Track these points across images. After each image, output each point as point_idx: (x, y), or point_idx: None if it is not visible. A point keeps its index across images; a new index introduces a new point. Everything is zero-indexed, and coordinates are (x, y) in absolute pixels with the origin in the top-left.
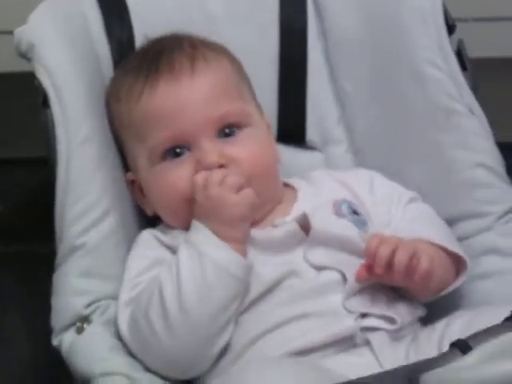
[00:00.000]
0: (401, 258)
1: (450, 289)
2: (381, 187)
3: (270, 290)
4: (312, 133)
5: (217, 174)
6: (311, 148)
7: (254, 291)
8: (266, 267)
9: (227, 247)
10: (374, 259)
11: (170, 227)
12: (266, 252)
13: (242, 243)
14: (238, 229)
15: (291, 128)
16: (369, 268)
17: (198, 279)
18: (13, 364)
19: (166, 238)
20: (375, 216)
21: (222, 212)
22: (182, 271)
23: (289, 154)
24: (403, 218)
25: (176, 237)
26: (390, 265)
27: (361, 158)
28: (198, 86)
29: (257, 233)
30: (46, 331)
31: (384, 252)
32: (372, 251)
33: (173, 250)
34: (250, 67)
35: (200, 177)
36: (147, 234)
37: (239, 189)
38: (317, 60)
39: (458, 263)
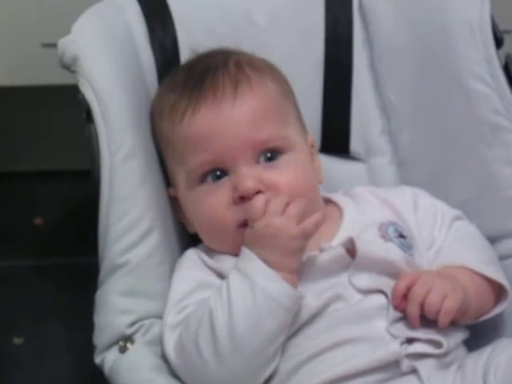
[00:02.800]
0: (432, 304)
1: (491, 315)
2: (425, 206)
3: (315, 316)
4: (356, 143)
5: (278, 202)
6: (354, 159)
7: (300, 318)
8: (312, 294)
9: (279, 278)
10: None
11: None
12: (312, 277)
13: (294, 273)
14: (293, 259)
15: (335, 137)
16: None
17: (249, 309)
18: (52, 378)
19: (211, 261)
20: (419, 237)
21: (281, 243)
22: (233, 300)
23: (332, 165)
24: (446, 239)
25: (221, 261)
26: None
27: (404, 170)
28: (239, 112)
29: (303, 258)
30: (86, 345)
31: (413, 307)
32: (399, 296)
33: (218, 274)
34: (294, 75)
35: (259, 202)
36: (192, 254)
37: (301, 220)
38: (362, 69)
39: (498, 288)
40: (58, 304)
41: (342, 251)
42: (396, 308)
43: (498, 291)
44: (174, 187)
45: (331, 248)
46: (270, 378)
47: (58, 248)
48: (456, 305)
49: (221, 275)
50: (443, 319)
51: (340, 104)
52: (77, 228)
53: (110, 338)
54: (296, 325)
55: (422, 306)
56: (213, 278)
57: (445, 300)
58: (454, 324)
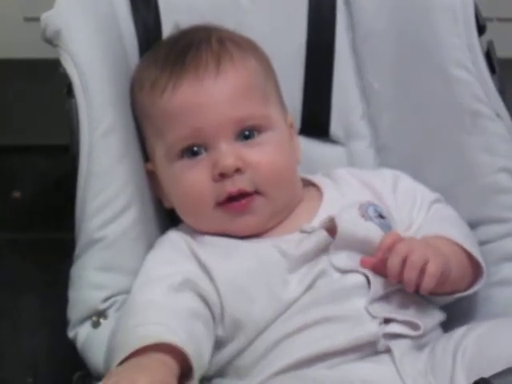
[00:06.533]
0: (414, 262)
1: (466, 293)
2: (404, 188)
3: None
4: (335, 126)
5: None
6: (334, 142)
7: (281, 310)
8: (295, 284)
9: None
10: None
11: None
12: (296, 263)
13: None
14: None
15: (315, 120)
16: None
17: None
18: (26, 352)
19: (195, 246)
20: (398, 218)
21: None
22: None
23: (311, 147)
24: (425, 218)
25: (204, 247)
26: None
27: (383, 154)
28: (220, 88)
29: (289, 248)
30: (60, 319)
31: (395, 259)
32: (384, 249)
33: (198, 261)
34: (276, 55)
35: None
36: (177, 238)
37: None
38: (344, 52)
39: (476, 268)
40: (33, 278)
41: (324, 235)
42: (376, 264)
43: (475, 270)
44: (153, 162)
45: (313, 230)
46: (246, 354)
47: (35, 222)
48: (439, 268)
49: (200, 262)
50: (427, 283)
51: (321, 87)
52: (54, 203)
53: (83, 312)
54: (278, 311)
55: (403, 262)
56: (193, 267)
57: (427, 264)
58: (432, 294)
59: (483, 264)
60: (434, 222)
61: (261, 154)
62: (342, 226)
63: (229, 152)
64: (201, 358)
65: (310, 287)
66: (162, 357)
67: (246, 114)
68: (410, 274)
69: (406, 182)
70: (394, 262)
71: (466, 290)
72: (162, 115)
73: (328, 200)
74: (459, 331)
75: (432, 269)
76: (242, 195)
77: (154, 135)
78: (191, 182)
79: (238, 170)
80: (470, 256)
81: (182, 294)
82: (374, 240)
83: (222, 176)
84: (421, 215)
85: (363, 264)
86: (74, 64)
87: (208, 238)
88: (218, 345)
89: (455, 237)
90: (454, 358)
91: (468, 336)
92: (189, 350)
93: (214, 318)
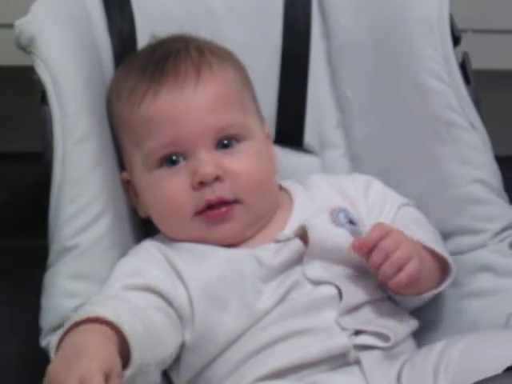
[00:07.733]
0: (398, 259)
1: (435, 293)
2: (375, 193)
3: (269, 310)
4: (310, 136)
5: None
6: (308, 151)
7: (255, 318)
8: (269, 294)
9: None
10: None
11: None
12: (272, 273)
13: None
14: None
15: (289, 129)
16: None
17: None
18: None
19: (171, 256)
20: (369, 224)
21: None
22: None
23: (285, 157)
24: (394, 219)
25: (180, 256)
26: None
27: (357, 164)
28: (200, 97)
29: (266, 257)
30: (33, 328)
31: (379, 255)
32: (373, 242)
33: (176, 272)
34: (250, 64)
35: None
36: (151, 247)
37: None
38: (319, 61)
39: (443, 268)
40: (4, 285)
41: (298, 244)
42: (359, 250)
43: (442, 271)
44: (129, 171)
45: (287, 239)
46: (218, 366)
47: (6, 230)
48: (419, 270)
49: (174, 268)
50: (404, 279)
51: (295, 96)
52: (26, 211)
53: (55, 320)
54: (250, 321)
55: (387, 257)
56: (161, 273)
57: (410, 261)
58: (397, 293)
59: (451, 262)
60: (401, 223)
61: (240, 163)
62: (313, 232)
63: (208, 160)
64: (158, 343)
65: (282, 299)
66: (97, 327)
67: (225, 122)
68: (388, 270)
69: (377, 186)
70: (376, 257)
71: (432, 289)
72: (140, 123)
73: (298, 206)
74: (440, 344)
75: (412, 268)
76: (221, 203)
77: (131, 144)
78: (170, 190)
79: (217, 179)
80: (436, 257)
81: (142, 292)
82: (345, 246)
83: (202, 184)
84: (389, 218)
85: (354, 247)
86: (48, 71)
87: (184, 245)
88: (188, 351)
89: (422, 237)
90: (436, 370)
91: (451, 349)
92: (129, 326)
93: (181, 319)
